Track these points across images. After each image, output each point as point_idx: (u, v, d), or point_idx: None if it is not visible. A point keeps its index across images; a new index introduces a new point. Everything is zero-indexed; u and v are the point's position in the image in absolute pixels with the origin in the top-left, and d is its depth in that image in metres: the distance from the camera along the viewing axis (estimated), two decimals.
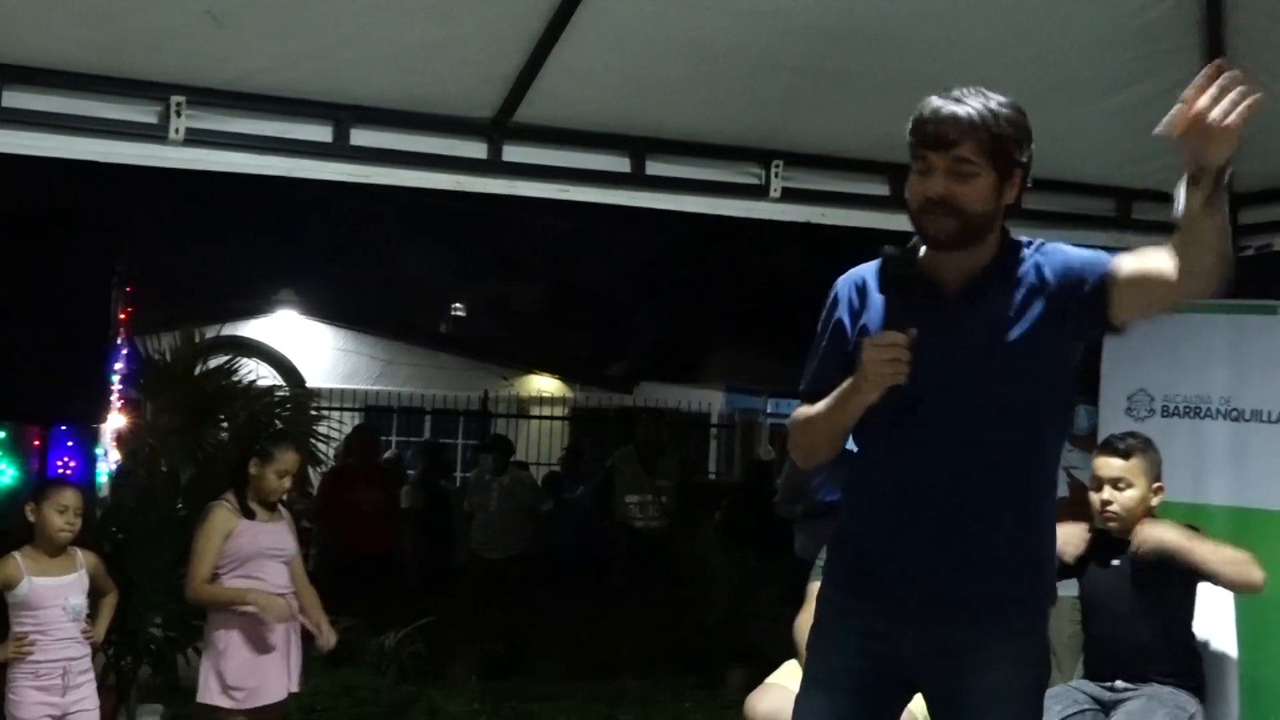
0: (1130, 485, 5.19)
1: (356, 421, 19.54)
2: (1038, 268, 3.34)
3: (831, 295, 3.55)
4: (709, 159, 6.41)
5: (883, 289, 3.42)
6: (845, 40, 5.86)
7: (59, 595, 6.00)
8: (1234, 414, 6.82)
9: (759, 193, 6.46)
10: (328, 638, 6.59)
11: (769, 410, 24.25)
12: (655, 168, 6.32)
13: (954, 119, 3.21)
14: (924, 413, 3.32)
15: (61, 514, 6.02)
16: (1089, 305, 3.26)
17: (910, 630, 3.38)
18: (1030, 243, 3.41)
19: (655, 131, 6.27)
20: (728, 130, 6.34)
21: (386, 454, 16.52)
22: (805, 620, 5.61)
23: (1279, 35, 6.01)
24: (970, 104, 3.22)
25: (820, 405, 3.42)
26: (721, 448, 24.74)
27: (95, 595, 6.24)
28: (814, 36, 5.83)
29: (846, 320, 3.48)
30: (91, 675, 6.13)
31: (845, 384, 3.32)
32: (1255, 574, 5.02)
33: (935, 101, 3.24)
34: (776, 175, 6.43)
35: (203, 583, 6.26)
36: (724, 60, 5.92)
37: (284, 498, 6.59)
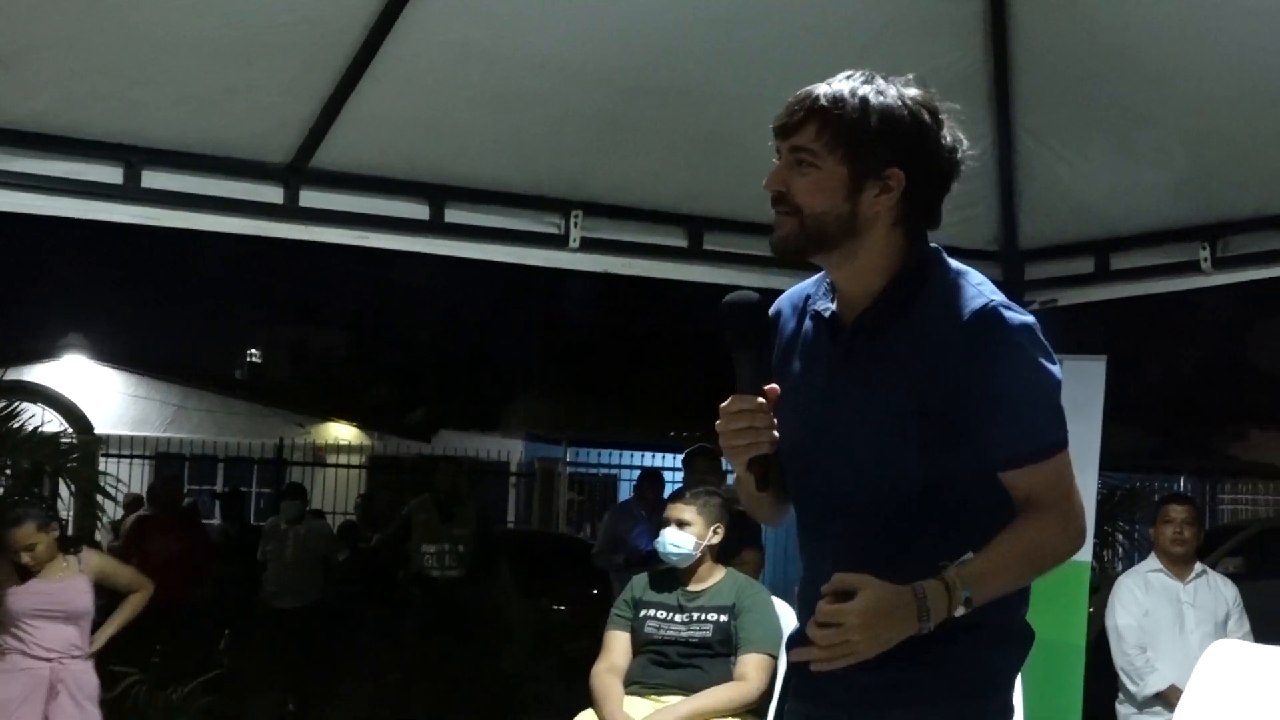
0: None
1: (146, 469, 19.12)
2: (953, 332, 2.68)
3: None
4: (508, 208, 6.39)
5: (729, 349, 2.76)
6: (645, 96, 5.92)
7: None
8: None
9: (558, 242, 6.45)
10: None
11: (568, 459, 24.29)
12: (454, 215, 6.28)
13: (801, 100, 2.74)
14: (817, 481, 2.80)
15: None
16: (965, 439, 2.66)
17: None
18: (958, 272, 2.78)
19: (454, 180, 6.24)
20: (527, 180, 6.34)
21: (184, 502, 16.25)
22: (603, 668, 5.65)
23: (1064, 98, 6.22)
24: (837, 85, 2.73)
25: None
26: (520, 496, 24.70)
27: None
28: (614, 91, 5.88)
29: None
30: None
31: None
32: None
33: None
34: (576, 225, 6.42)
35: None
36: (524, 110, 5.94)
37: (72, 550, 6.56)
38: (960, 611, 2.59)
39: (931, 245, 2.82)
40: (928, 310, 2.72)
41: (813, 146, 2.70)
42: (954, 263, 2.80)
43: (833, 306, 2.83)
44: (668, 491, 9.39)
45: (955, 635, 2.67)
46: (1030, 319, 2.73)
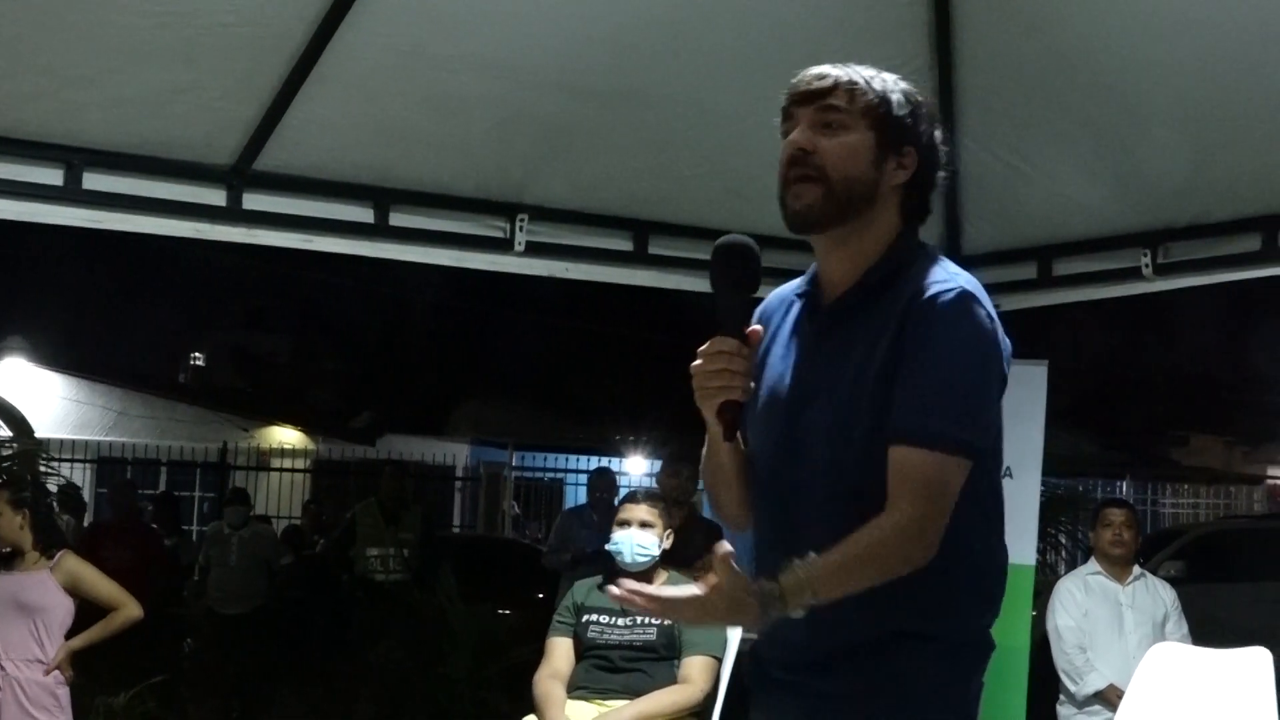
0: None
1: (87, 474, 18.95)
2: (907, 307, 2.66)
3: None
4: (453, 211, 6.36)
5: (715, 290, 2.74)
6: (592, 98, 5.91)
7: None
8: None
9: (504, 246, 6.42)
10: None
11: (514, 463, 24.26)
12: (399, 219, 6.24)
13: (825, 72, 2.75)
14: (786, 458, 2.75)
15: None
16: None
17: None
18: (939, 261, 2.77)
19: (399, 183, 6.21)
20: (473, 183, 6.32)
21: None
22: (545, 674, 5.64)
23: (1009, 104, 6.25)
24: (853, 68, 2.77)
25: None
26: (466, 500, 24.65)
27: None
28: (560, 93, 5.87)
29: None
30: None
31: None
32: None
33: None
34: (521, 229, 6.39)
35: None
36: (469, 113, 5.92)
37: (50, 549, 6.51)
38: (799, 613, 2.52)
39: (925, 241, 2.85)
40: (900, 292, 2.68)
41: (847, 107, 2.72)
42: (939, 255, 2.80)
43: (816, 292, 2.85)
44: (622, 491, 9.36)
45: (906, 646, 2.68)
46: (989, 316, 2.70)
